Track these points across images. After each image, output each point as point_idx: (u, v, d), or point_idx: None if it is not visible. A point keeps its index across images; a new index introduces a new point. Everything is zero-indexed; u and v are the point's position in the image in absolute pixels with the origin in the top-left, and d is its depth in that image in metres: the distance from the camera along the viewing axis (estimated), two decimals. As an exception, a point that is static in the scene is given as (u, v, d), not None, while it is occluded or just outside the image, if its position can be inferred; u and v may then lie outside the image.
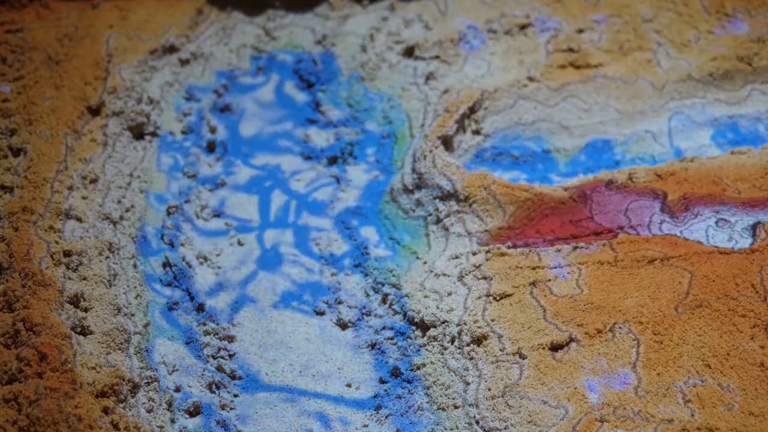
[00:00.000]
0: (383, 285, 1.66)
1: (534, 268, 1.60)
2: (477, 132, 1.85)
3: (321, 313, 1.65)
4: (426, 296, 1.62)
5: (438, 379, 1.53)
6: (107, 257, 1.61)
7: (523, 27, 1.98)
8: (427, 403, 1.51)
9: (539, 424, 1.42)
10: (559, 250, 1.61)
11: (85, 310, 1.53)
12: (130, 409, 1.42)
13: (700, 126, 1.84)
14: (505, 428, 1.43)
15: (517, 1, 2.03)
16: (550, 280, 1.57)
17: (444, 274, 1.64)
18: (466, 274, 1.62)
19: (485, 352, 1.52)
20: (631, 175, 1.70)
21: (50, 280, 1.51)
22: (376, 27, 2.04)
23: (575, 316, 1.52)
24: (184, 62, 1.96)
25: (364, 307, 1.65)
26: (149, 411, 1.45)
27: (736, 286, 1.52)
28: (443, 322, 1.57)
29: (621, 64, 1.90)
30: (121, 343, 1.50)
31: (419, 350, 1.57)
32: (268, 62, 2.01)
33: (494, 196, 1.69)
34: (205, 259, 1.71)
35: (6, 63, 1.86)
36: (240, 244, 1.74)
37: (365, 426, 1.50)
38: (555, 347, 1.49)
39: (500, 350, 1.51)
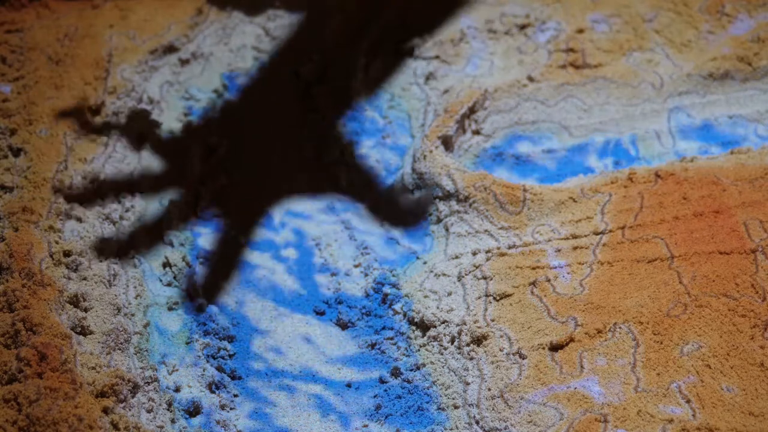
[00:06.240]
0: (383, 285, 1.66)
1: (534, 268, 1.60)
2: (477, 132, 1.85)
3: (321, 313, 1.65)
4: (426, 296, 1.62)
5: (438, 379, 1.53)
6: (107, 257, 1.61)
7: (523, 27, 1.98)
8: (427, 403, 1.51)
9: (539, 424, 1.42)
10: (559, 250, 1.61)
11: (85, 310, 1.53)
12: (130, 409, 1.42)
13: (700, 126, 1.84)
14: (505, 428, 1.43)
15: (517, 1, 2.03)
16: (550, 280, 1.57)
17: (444, 274, 1.64)
18: (466, 274, 1.62)
19: (485, 352, 1.52)
20: (631, 175, 1.70)
21: (50, 280, 1.52)
22: (376, 27, 2.04)
23: (575, 316, 1.52)
24: (184, 62, 1.96)
25: (364, 307, 1.65)
26: (149, 411, 1.45)
27: (736, 286, 1.52)
28: (443, 322, 1.57)
29: (621, 64, 1.90)
30: (121, 343, 1.50)
31: (419, 350, 1.57)
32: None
33: (494, 196, 1.69)
34: (206, 259, 1.71)
35: (6, 63, 1.86)
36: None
37: (365, 426, 1.50)
38: (555, 347, 1.49)
39: (500, 350, 1.51)
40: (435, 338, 1.57)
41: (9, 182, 1.67)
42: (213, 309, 1.63)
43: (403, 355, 1.58)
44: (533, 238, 1.64)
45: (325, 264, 1.72)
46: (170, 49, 1.96)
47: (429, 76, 1.93)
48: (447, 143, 1.80)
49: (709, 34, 1.93)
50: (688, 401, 1.41)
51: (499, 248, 1.64)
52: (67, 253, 1.58)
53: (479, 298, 1.58)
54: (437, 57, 1.96)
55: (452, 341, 1.55)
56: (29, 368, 1.38)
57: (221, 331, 1.60)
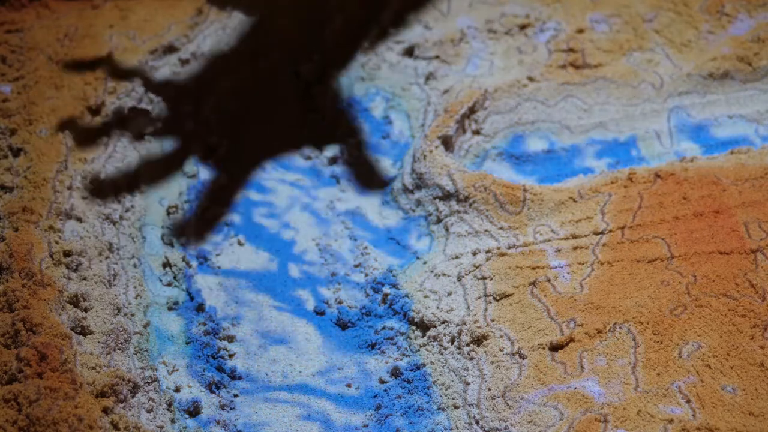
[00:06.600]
0: (383, 285, 1.66)
1: (534, 268, 1.60)
2: (477, 132, 1.85)
3: (321, 313, 1.65)
4: (426, 296, 1.62)
5: (438, 379, 1.53)
6: (107, 257, 1.61)
7: (523, 27, 1.98)
8: (427, 403, 1.51)
9: (539, 424, 1.42)
10: (559, 250, 1.61)
11: (85, 310, 1.53)
12: (130, 409, 1.42)
13: (700, 126, 1.84)
14: (505, 428, 1.43)
15: (517, 1, 2.03)
16: (550, 280, 1.57)
17: (444, 274, 1.64)
18: (466, 274, 1.62)
19: (485, 352, 1.52)
20: (630, 175, 1.70)
21: (50, 280, 1.51)
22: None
23: (575, 316, 1.52)
24: (184, 62, 1.96)
25: (364, 307, 1.65)
26: (149, 411, 1.45)
27: (736, 286, 1.52)
28: (443, 322, 1.57)
29: (621, 64, 1.90)
30: (121, 343, 1.50)
31: (419, 350, 1.57)
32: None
33: (494, 196, 1.69)
34: (206, 259, 1.71)
35: (6, 63, 1.86)
36: (240, 244, 1.74)
37: (365, 426, 1.50)
38: (555, 347, 1.49)
39: (500, 350, 1.51)
40: (435, 338, 1.57)
41: (9, 182, 1.67)
42: (213, 309, 1.63)
43: (403, 355, 1.58)
44: (533, 238, 1.64)
45: (325, 264, 1.72)
46: (170, 49, 1.96)
47: (429, 76, 1.93)
48: (447, 143, 1.80)
49: (709, 34, 1.93)
50: (688, 401, 1.41)
51: (499, 248, 1.64)
52: (67, 253, 1.58)
53: (479, 298, 1.58)
54: (437, 57, 1.96)
55: (452, 341, 1.55)
56: (29, 368, 1.38)
57: (221, 331, 1.60)
